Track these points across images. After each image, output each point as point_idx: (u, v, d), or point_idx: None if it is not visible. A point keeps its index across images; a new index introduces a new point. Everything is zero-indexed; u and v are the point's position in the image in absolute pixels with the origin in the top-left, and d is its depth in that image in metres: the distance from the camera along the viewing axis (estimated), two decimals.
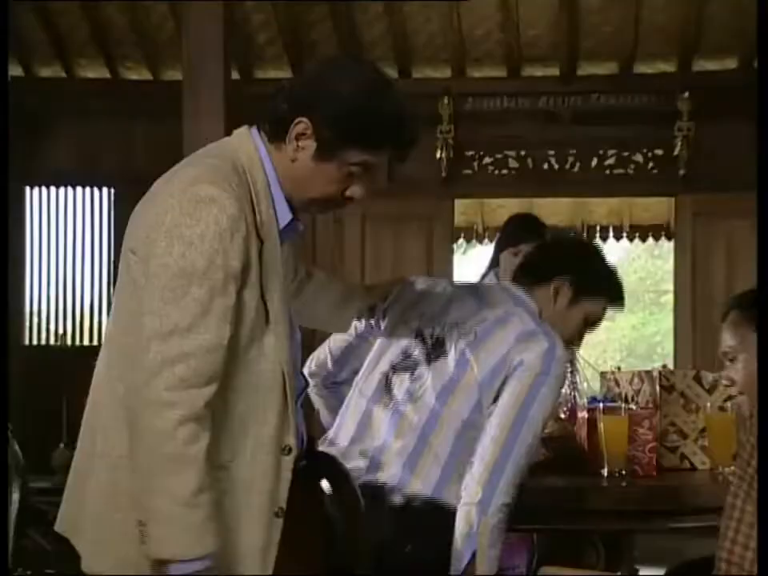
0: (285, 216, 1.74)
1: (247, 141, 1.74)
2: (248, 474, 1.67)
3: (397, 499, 2.01)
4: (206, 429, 1.59)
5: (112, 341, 1.74)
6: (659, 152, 6.07)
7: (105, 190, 6.52)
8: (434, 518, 2.01)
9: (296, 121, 1.69)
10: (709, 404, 2.74)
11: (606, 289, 2.36)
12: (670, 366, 5.68)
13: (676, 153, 5.93)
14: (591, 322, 2.33)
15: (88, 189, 6.54)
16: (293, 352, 1.74)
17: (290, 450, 1.71)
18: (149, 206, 1.69)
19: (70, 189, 6.54)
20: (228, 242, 1.61)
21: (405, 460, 2.03)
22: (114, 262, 6.47)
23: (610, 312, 2.37)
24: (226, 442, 1.66)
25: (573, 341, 2.33)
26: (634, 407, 2.68)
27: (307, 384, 1.85)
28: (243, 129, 1.77)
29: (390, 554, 1.99)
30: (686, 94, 5.84)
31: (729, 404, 2.75)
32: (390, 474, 2.03)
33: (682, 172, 5.94)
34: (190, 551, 1.57)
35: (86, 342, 6.60)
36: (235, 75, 5.56)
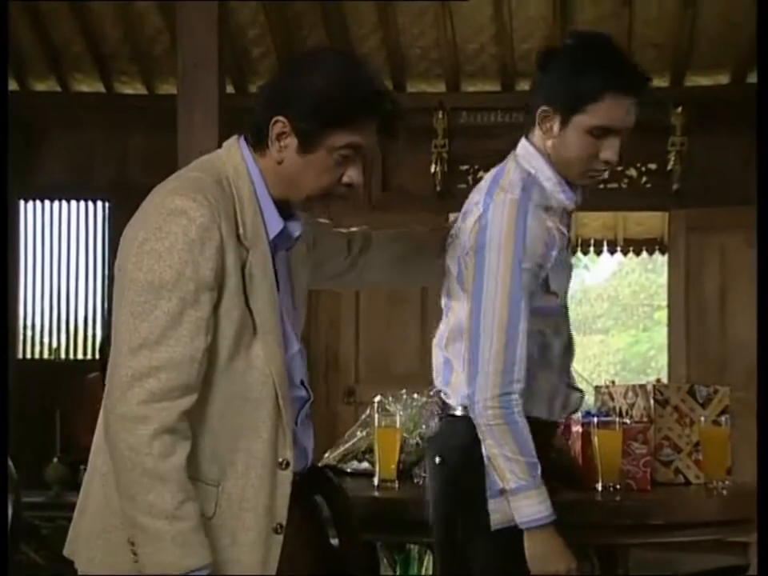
0: (275, 224, 1.71)
1: (235, 152, 1.73)
2: (241, 490, 1.64)
3: (440, 416, 2.07)
4: (182, 439, 1.58)
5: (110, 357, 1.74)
6: (653, 166, 6.08)
7: (99, 203, 6.53)
8: (458, 427, 1.98)
9: (273, 121, 1.68)
10: (703, 418, 2.74)
11: (593, 85, 1.87)
12: (664, 380, 5.70)
13: (669, 167, 5.95)
14: (604, 131, 1.90)
15: (82, 202, 6.54)
16: (286, 363, 1.71)
17: (287, 464, 1.67)
18: (132, 222, 1.70)
19: (64, 202, 6.54)
20: (197, 252, 1.60)
21: (441, 379, 2.05)
22: (109, 275, 6.47)
23: (623, 103, 1.88)
24: (215, 457, 1.64)
25: (589, 166, 1.94)
26: (628, 421, 2.68)
27: (310, 396, 1.81)
28: (232, 140, 1.77)
29: (429, 472, 2.07)
30: (679, 109, 5.87)
31: (723, 418, 2.75)
32: (439, 396, 2.08)
33: (675, 186, 5.96)
34: (181, 565, 1.55)
35: (79, 356, 6.59)
36: (229, 89, 5.57)
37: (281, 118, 1.67)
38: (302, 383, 1.80)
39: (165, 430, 1.56)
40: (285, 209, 1.75)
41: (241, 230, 1.66)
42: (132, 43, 6.15)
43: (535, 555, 1.86)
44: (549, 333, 1.99)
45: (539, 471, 1.87)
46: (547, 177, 1.96)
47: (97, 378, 6.01)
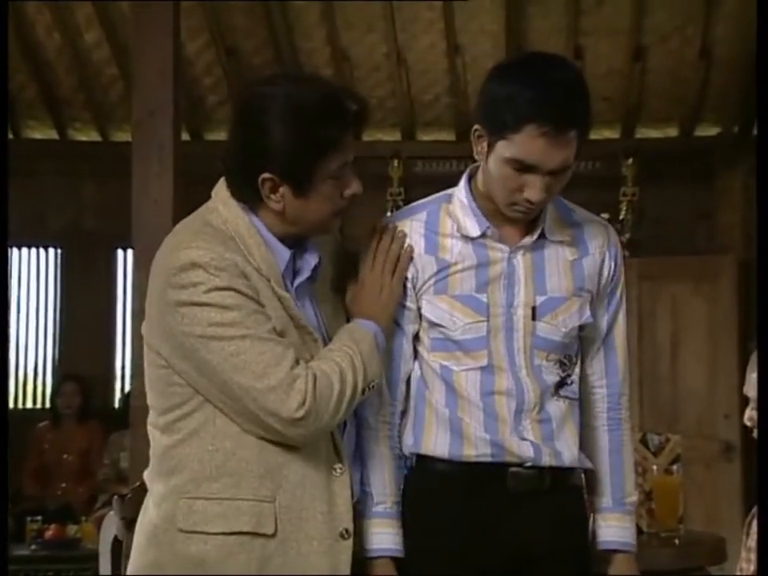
0: (283, 255, 1.72)
1: (222, 193, 1.73)
2: (299, 501, 1.65)
3: None
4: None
5: None
6: (605, 216, 6.14)
7: (51, 250, 6.47)
8: None
9: (260, 181, 1.67)
10: (655, 467, 2.76)
11: (515, 113, 1.68)
12: None
13: (621, 217, 6.04)
14: (524, 166, 1.71)
15: (34, 249, 6.47)
16: None
17: (342, 470, 1.70)
18: (150, 294, 1.70)
19: (15, 249, 6.47)
20: (227, 286, 1.62)
21: None
22: (60, 322, 6.39)
23: (546, 140, 1.67)
24: (267, 472, 1.65)
25: (513, 199, 1.75)
26: None
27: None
28: (219, 185, 1.75)
29: None
30: (630, 160, 5.98)
31: (675, 466, 2.77)
32: None
33: (627, 236, 6.04)
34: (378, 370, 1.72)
35: (29, 405, 6.48)
36: (185, 136, 5.58)
37: (267, 175, 1.67)
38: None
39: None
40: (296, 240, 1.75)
41: (253, 262, 1.67)
42: (86, 90, 6.14)
43: None
44: (449, 365, 1.81)
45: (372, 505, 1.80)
46: (459, 200, 1.86)
47: (46, 427, 5.92)
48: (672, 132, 6.17)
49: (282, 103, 1.67)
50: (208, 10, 5.71)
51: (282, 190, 1.68)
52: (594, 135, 6.54)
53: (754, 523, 1.89)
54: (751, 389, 1.94)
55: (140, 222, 3.54)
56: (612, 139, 6.18)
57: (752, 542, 1.87)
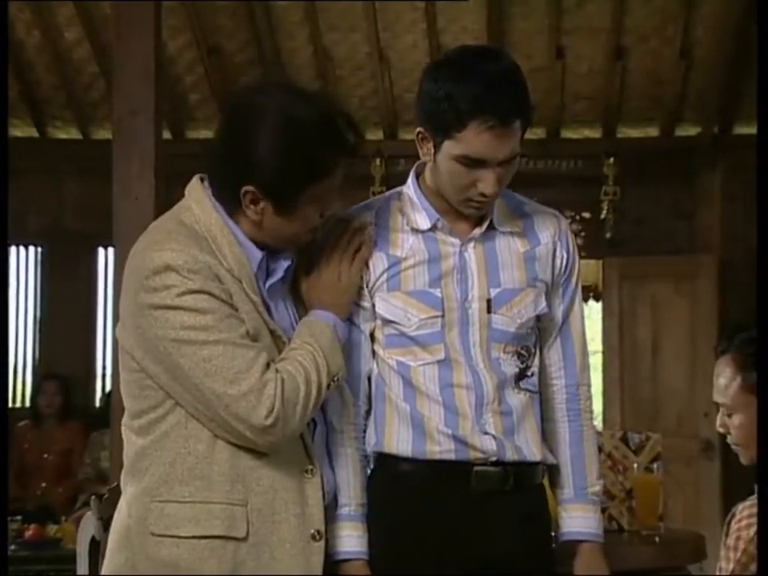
0: (255, 255, 1.71)
1: (197, 193, 1.72)
2: (271, 504, 1.65)
3: None
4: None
5: None
6: (587, 215, 6.20)
7: (32, 248, 6.44)
8: None
9: (242, 191, 1.65)
10: (636, 465, 2.78)
11: (457, 112, 1.69)
12: (598, 427, 5.76)
13: (603, 216, 6.07)
14: (473, 161, 1.73)
15: (14, 247, 6.44)
16: None
17: (313, 471, 1.70)
18: (123, 296, 1.69)
19: None
20: (200, 289, 1.62)
21: None
22: (41, 321, 6.36)
23: (492, 133, 1.68)
24: (238, 476, 1.65)
25: (467, 195, 1.77)
26: None
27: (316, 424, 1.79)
28: (194, 181, 1.73)
29: None
30: (611, 160, 6.00)
31: (655, 465, 2.78)
32: None
33: (608, 235, 6.07)
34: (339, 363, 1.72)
35: (8, 404, 6.44)
36: (167, 135, 5.56)
37: (250, 188, 1.65)
38: None
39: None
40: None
41: (225, 264, 1.66)
42: (67, 89, 6.12)
43: None
44: (405, 361, 1.80)
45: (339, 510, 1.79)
46: (408, 196, 1.88)
47: (26, 427, 5.89)
48: (652, 132, 6.20)
49: (274, 117, 1.63)
50: (190, 9, 5.70)
51: (262, 204, 1.66)
52: (575, 135, 6.63)
53: (733, 522, 1.90)
54: (720, 395, 1.94)
55: (121, 221, 3.52)
56: (593, 139, 6.21)
57: (731, 540, 1.88)
